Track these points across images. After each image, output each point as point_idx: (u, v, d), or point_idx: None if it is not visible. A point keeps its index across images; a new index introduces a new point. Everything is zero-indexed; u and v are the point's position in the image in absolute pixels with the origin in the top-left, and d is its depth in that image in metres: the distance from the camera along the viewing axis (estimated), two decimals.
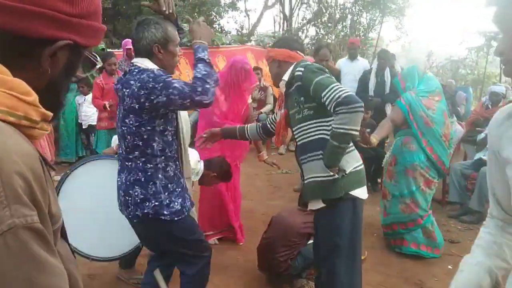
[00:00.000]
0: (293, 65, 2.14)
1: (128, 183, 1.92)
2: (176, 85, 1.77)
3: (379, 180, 5.26)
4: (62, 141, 5.81)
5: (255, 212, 4.01)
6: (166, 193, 1.92)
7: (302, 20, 15.15)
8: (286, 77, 2.15)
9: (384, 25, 14.33)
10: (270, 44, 10.73)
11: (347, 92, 1.87)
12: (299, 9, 15.01)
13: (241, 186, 3.74)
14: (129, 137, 1.87)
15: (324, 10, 14.38)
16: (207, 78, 1.81)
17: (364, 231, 3.89)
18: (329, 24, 14.34)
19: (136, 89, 1.79)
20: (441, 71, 15.25)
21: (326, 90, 1.89)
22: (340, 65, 6.33)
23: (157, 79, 1.78)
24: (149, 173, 1.89)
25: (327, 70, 2.04)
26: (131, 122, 1.84)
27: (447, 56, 14.50)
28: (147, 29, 1.89)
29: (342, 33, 14.27)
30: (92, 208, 2.51)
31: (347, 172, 2.00)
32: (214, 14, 11.53)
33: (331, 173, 1.96)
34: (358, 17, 14.59)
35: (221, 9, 11.81)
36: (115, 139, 3.05)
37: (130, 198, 1.92)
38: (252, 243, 3.54)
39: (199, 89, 1.77)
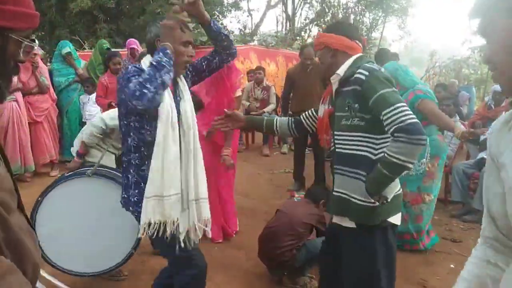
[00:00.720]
0: (353, 60, 1.87)
1: (127, 183, 1.96)
2: (131, 85, 1.68)
3: None
4: (66, 140, 5.82)
5: (257, 211, 4.02)
6: (136, 191, 1.87)
7: (305, 19, 15.17)
8: (341, 71, 1.87)
9: (387, 24, 14.35)
10: (273, 44, 10.78)
11: (414, 119, 1.63)
12: (302, 8, 15.04)
13: (243, 185, 3.75)
14: (127, 137, 1.90)
15: (327, 10, 14.38)
16: (147, 82, 1.66)
17: None
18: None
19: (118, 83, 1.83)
20: (444, 70, 15.20)
21: (390, 109, 1.66)
22: None
23: (124, 76, 1.76)
24: (124, 165, 1.93)
25: (394, 82, 1.78)
26: (125, 122, 1.90)
27: (450, 56, 14.44)
28: (154, 24, 1.88)
29: None
30: (75, 227, 2.55)
31: (389, 200, 1.81)
32: (217, 14, 11.54)
33: (372, 200, 1.78)
34: (361, 16, 14.59)
35: (224, 8, 11.83)
36: (76, 143, 3.09)
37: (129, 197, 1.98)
38: (254, 242, 3.55)
39: (137, 93, 1.65)
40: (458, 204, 4.61)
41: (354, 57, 1.88)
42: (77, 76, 5.82)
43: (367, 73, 1.75)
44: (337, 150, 1.91)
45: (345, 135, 1.86)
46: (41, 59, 5.52)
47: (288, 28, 14.56)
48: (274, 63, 9.74)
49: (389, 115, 1.65)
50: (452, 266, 3.28)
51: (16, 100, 4.84)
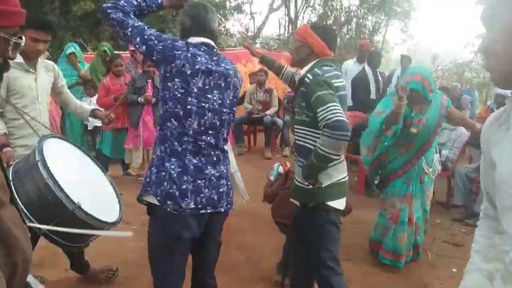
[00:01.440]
0: (313, 63, 2.15)
1: (226, 168, 1.92)
2: None
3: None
4: None
5: (258, 213, 4.01)
6: None
7: (308, 23, 15.16)
8: (303, 71, 2.18)
9: (389, 28, 14.34)
10: (275, 47, 10.79)
11: (340, 116, 1.88)
12: (304, 12, 15.06)
13: (246, 188, 3.74)
14: (230, 124, 1.92)
15: (329, 13, 14.40)
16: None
17: (368, 234, 3.90)
18: (334, 27, 14.34)
19: (240, 82, 1.95)
20: (447, 74, 15.19)
21: (323, 108, 1.92)
22: (348, 66, 6.38)
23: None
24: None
25: (333, 86, 2.01)
26: (235, 109, 1.94)
27: (452, 59, 14.44)
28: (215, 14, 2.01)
29: (347, 36, 14.27)
30: (79, 181, 2.23)
31: (323, 186, 2.08)
32: (220, 17, 11.58)
33: (306, 183, 2.10)
34: (363, 20, 14.62)
35: (226, 11, 11.87)
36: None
37: (229, 184, 1.93)
38: (255, 244, 3.55)
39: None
40: (460, 208, 4.59)
41: (314, 61, 2.15)
42: (79, 77, 5.84)
43: (311, 77, 2.04)
44: (295, 142, 2.24)
45: (298, 129, 2.19)
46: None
47: (290, 31, 14.57)
48: None
49: (321, 113, 1.92)
50: (454, 270, 3.26)
51: None
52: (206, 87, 1.76)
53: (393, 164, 3.24)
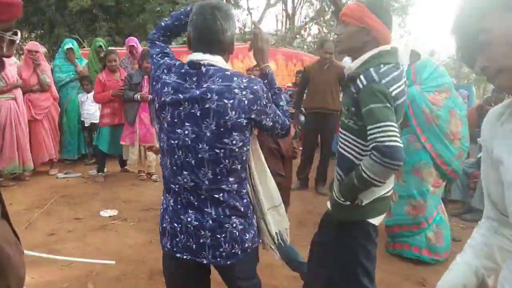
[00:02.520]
0: (369, 55, 1.75)
1: (221, 217, 1.52)
2: (278, 112, 1.59)
3: None
4: (65, 139, 5.81)
5: None
6: (255, 216, 1.66)
7: (305, 18, 15.15)
8: (355, 65, 1.79)
9: None
10: (272, 43, 10.77)
11: (394, 141, 1.58)
12: (301, 7, 15.04)
13: None
14: (226, 161, 1.47)
15: (326, 8, 14.36)
16: (287, 113, 1.67)
17: None
18: (332, 22, 14.31)
19: (246, 102, 1.42)
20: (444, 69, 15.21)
21: (374, 125, 1.61)
22: (345, 63, 6.43)
23: (267, 96, 1.51)
24: (245, 200, 1.58)
25: (390, 97, 1.65)
26: (234, 141, 1.45)
27: (450, 55, 14.46)
28: (232, 18, 1.52)
29: None
30: None
31: (363, 204, 1.80)
32: None
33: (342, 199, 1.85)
34: None
35: None
36: None
37: (223, 235, 1.52)
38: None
39: (288, 122, 1.65)
40: (458, 203, 4.61)
41: (372, 52, 1.75)
42: (76, 73, 5.81)
43: (365, 82, 1.68)
44: (338, 145, 1.91)
45: (342, 133, 1.85)
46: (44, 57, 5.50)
47: (288, 27, 14.54)
48: (273, 62, 9.73)
49: (372, 131, 1.62)
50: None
51: (15, 99, 4.82)
52: (175, 120, 1.46)
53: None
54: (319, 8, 14.51)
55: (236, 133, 1.44)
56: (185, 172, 1.50)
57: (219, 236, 1.52)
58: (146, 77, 4.94)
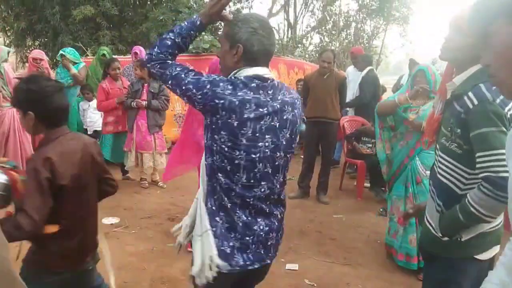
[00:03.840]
0: (477, 71, 1.54)
1: (282, 215, 1.68)
2: None
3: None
4: None
5: None
6: None
7: (307, 27, 15.26)
8: (458, 80, 1.61)
9: (388, 32, 14.39)
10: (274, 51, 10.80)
11: (507, 172, 1.31)
12: (303, 16, 15.11)
13: None
14: (283, 169, 1.61)
15: (328, 18, 14.46)
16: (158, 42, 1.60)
17: (367, 238, 3.91)
18: (333, 32, 14.40)
19: (300, 110, 1.65)
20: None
21: (487, 153, 1.43)
22: (348, 72, 6.53)
23: None
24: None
25: (505, 119, 1.46)
26: (294, 146, 1.65)
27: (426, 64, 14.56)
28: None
29: (346, 41, 14.33)
30: None
31: (463, 240, 1.58)
32: (219, 21, 11.62)
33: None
34: (362, 24, 14.66)
35: None
36: None
37: (280, 232, 1.70)
38: None
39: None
40: None
41: (476, 67, 1.54)
42: (72, 78, 5.80)
43: (476, 102, 1.48)
44: (437, 169, 1.68)
45: (441, 156, 1.63)
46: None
47: (289, 36, 14.62)
48: (275, 71, 9.75)
49: (483, 158, 1.44)
50: None
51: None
52: (257, 135, 1.47)
53: (396, 160, 3.34)
54: (320, 18, 14.61)
55: (297, 139, 1.63)
56: (263, 183, 1.55)
57: (280, 235, 1.69)
58: (146, 84, 4.99)
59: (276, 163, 1.55)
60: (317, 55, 11.73)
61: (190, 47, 6.67)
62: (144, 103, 4.94)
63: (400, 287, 3.11)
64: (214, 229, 1.52)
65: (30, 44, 11.18)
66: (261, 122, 1.48)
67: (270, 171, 1.54)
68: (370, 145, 5.37)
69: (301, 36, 14.81)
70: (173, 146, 7.21)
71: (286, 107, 1.54)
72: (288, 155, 1.60)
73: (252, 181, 1.52)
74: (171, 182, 5.43)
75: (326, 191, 5.08)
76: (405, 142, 3.28)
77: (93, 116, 5.68)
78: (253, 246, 1.56)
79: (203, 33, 8.83)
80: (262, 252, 1.60)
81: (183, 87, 1.49)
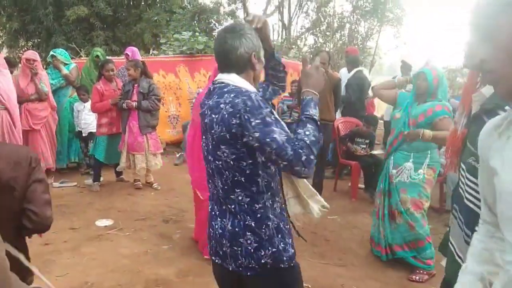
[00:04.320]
0: None
1: (236, 229, 1.54)
2: (276, 136, 1.39)
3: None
4: (57, 147, 5.75)
5: None
6: (280, 235, 1.57)
7: (301, 28, 15.26)
8: (489, 90, 1.45)
9: (382, 34, 14.45)
10: None
11: None
12: (298, 17, 15.13)
13: None
14: (227, 172, 1.51)
15: (322, 19, 14.49)
16: (314, 146, 1.42)
17: (361, 239, 3.92)
18: (328, 33, 14.43)
19: (226, 115, 1.43)
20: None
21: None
22: (341, 73, 6.52)
23: (255, 111, 1.41)
24: (258, 215, 1.53)
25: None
26: (225, 154, 1.48)
27: (445, 65, 14.59)
28: (243, 36, 1.54)
29: (340, 42, 14.37)
30: None
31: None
32: (214, 22, 11.59)
33: None
34: (356, 26, 14.70)
35: (220, 17, 11.88)
36: None
37: (239, 249, 1.54)
38: None
39: (303, 158, 1.38)
40: None
41: None
42: (64, 78, 5.74)
43: None
44: (460, 190, 1.49)
45: (470, 180, 1.43)
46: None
47: (284, 37, 14.63)
48: None
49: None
50: None
51: (7, 109, 4.77)
52: (202, 135, 1.62)
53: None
54: (315, 19, 14.64)
55: (223, 146, 1.47)
56: (210, 181, 1.63)
57: (235, 248, 1.55)
58: (136, 85, 4.98)
59: (211, 166, 1.58)
60: (311, 56, 11.77)
61: (185, 47, 6.76)
62: (135, 104, 4.92)
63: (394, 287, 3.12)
64: None
65: (23, 44, 11.10)
66: (202, 123, 1.59)
67: (210, 172, 1.60)
68: (364, 146, 5.39)
69: (295, 37, 14.83)
70: (167, 147, 7.19)
71: (207, 111, 1.54)
72: (217, 162, 1.52)
73: (207, 176, 1.65)
74: (165, 184, 5.42)
75: (320, 192, 5.08)
76: (391, 135, 3.44)
77: (88, 118, 5.59)
78: (213, 241, 1.64)
79: (197, 34, 8.83)
80: (221, 253, 1.61)
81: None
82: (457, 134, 1.68)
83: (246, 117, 1.40)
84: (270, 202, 1.56)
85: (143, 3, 11.20)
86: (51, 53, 5.87)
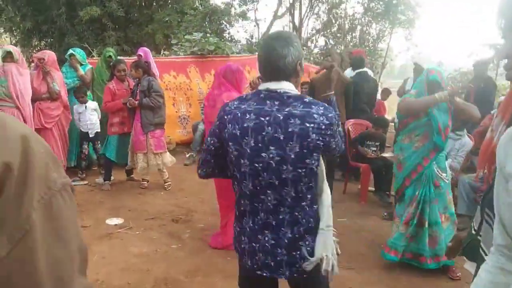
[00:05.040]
0: None
1: (296, 235, 1.63)
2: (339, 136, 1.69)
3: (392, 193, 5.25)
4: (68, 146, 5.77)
5: None
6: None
7: (312, 30, 15.24)
8: None
9: (393, 36, 14.37)
10: None
11: None
12: (308, 19, 15.10)
13: None
14: (306, 179, 1.59)
15: (333, 21, 14.45)
16: (342, 137, 1.76)
17: (371, 243, 3.90)
18: (338, 35, 14.39)
19: (324, 126, 1.55)
20: (451, 82, 15.19)
21: None
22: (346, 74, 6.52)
23: (338, 122, 1.67)
24: (317, 216, 1.68)
25: None
26: (313, 161, 1.58)
27: (457, 68, 14.45)
28: (291, 44, 1.59)
29: (351, 44, 14.31)
30: None
31: None
32: (225, 23, 11.63)
33: None
34: (368, 28, 14.64)
35: (231, 18, 11.92)
36: None
37: (298, 252, 1.64)
38: None
39: (342, 146, 1.74)
40: (464, 217, 4.57)
41: None
42: (80, 79, 5.76)
43: None
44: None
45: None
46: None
47: None
48: None
49: None
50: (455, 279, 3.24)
51: (18, 107, 4.83)
52: (260, 145, 1.57)
53: (408, 163, 3.29)
54: (326, 20, 14.61)
55: (315, 154, 1.58)
56: (269, 192, 1.61)
57: (294, 253, 1.64)
58: (139, 85, 5.02)
59: (283, 176, 1.57)
60: (322, 58, 11.74)
61: (196, 48, 6.80)
62: (136, 101, 4.95)
63: None
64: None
65: (36, 44, 11.25)
66: (263, 133, 1.57)
67: (277, 183, 1.59)
68: (374, 149, 5.35)
69: (306, 39, 14.80)
70: (177, 147, 7.22)
71: (293, 121, 1.54)
72: (298, 169, 1.57)
73: (258, 188, 1.62)
74: (174, 184, 5.44)
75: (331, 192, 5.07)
76: (421, 144, 3.25)
77: (92, 118, 5.44)
78: (261, 254, 1.69)
79: (208, 35, 8.87)
80: (273, 264, 1.68)
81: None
82: (493, 141, 1.68)
83: (335, 128, 1.61)
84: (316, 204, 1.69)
85: (154, 4, 11.28)
86: (71, 51, 5.89)
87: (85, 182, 5.48)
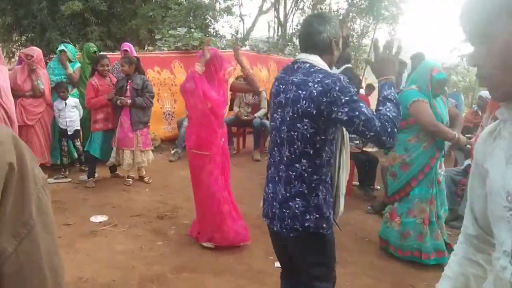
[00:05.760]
0: None
1: (287, 194, 1.79)
2: (364, 110, 1.60)
3: (378, 187, 5.33)
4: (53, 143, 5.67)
5: (248, 216, 4.03)
6: (326, 206, 1.80)
7: (297, 25, 15.25)
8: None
9: (377, 31, 14.47)
10: (264, 49, 10.82)
11: None
12: (293, 14, 15.14)
13: (234, 190, 3.76)
14: (299, 143, 1.73)
15: None
16: (396, 121, 1.64)
17: (355, 236, 3.95)
18: None
19: (316, 93, 1.63)
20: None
21: None
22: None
23: (344, 90, 1.61)
24: (313, 185, 1.76)
25: None
26: (305, 127, 1.69)
27: (439, 64, 14.71)
28: (328, 22, 1.77)
29: None
30: None
31: None
32: (209, 18, 11.56)
33: None
34: (352, 23, 14.73)
35: (216, 13, 11.84)
36: None
37: (288, 211, 1.79)
38: (245, 247, 3.56)
39: (389, 129, 1.60)
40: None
41: None
42: (67, 76, 5.66)
43: None
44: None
45: None
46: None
47: (279, 34, 14.64)
48: (266, 69, 9.78)
49: None
50: (439, 271, 3.31)
51: (1, 105, 4.71)
52: (274, 107, 1.85)
53: (417, 163, 3.29)
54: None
55: (306, 120, 1.67)
56: (276, 148, 1.84)
57: (284, 210, 1.80)
58: (130, 81, 4.96)
59: (282, 136, 1.78)
60: None
61: (180, 43, 6.74)
62: (129, 101, 4.91)
63: (388, 285, 3.14)
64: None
65: (16, 39, 11.01)
66: (277, 98, 1.81)
67: (278, 141, 1.81)
68: (358, 142, 5.40)
69: (291, 34, 14.83)
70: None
71: (291, 87, 1.73)
72: (291, 131, 1.73)
73: (271, 144, 1.89)
74: (159, 180, 5.42)
75: None
76: (429, 144, 3.27)
77: (72, 115, 5.33)
78: (266, 203, 1.94)
79: (192, 30, 8.80)
80: (270, 215, 1.90)
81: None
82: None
83: (336, 95, 1.61)
84: (324, 176, 1.78)
85: None
86: (62, 47, 5.77)
87: (69, 179, 5.41)
